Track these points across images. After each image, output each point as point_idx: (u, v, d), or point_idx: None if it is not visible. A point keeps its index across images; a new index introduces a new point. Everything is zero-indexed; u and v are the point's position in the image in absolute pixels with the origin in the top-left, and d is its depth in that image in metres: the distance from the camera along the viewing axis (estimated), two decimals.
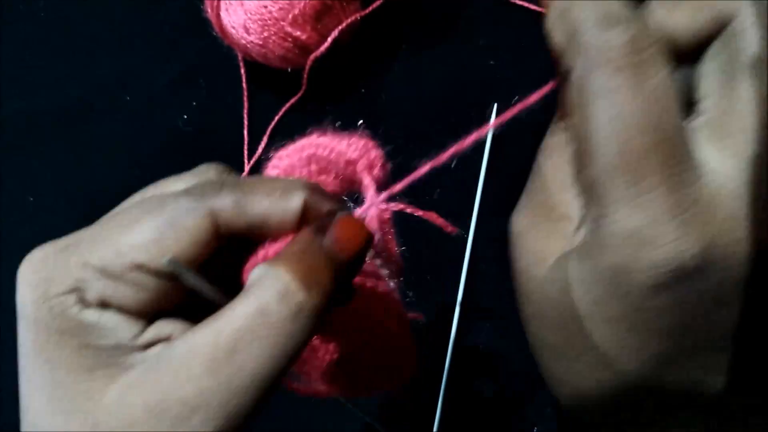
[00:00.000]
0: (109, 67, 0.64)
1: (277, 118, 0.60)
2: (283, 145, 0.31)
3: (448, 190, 0.57)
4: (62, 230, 0.68)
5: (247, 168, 0.60)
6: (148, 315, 0.23)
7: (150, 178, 0.70)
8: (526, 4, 0.58)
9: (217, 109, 0.62)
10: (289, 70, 0.56)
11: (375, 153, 0.30)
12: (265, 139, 0.60)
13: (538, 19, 0.58)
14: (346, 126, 0.60)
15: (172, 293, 0.23)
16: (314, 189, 0.24)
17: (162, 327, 0.23)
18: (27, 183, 0.64)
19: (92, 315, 0.22)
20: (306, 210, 0.24)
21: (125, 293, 0.22)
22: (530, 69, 0.59)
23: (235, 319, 0.21)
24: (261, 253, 0.24)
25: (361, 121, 0.58)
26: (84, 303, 0.22)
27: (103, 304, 0.22)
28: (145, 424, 0.20)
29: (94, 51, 0.64)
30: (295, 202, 0.23)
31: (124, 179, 0.62)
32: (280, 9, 0.50)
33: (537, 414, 0.53)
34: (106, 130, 0.63)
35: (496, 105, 0.56)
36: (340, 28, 0.53)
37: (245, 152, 0.61)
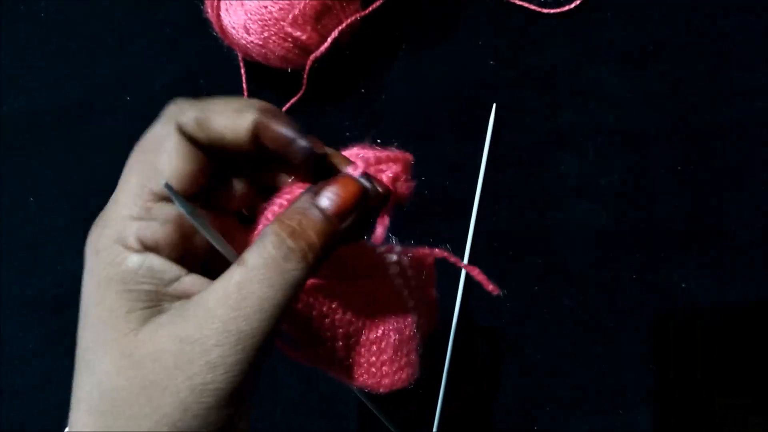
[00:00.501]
0: (109, 67, 0.64)
1: None
2: None
3: (448, 189, 0.57)
4: (62, 230, 0.68)
5: None
6: (181, 260, 0.26)
7: None
8: (525, 4, 0.58)
9: None
10: (289, 70, 0.56)
11: (398, 167, 0.30)
12: None
13: (538, 19, 0.58)
14: (346, 125, 0.60)
15: (192, 231, 0.26)
16: (267, 110, 0.26)
17: (192, 282, 0.26)
18: (27, 183, 0.64)
19: (135, 260, 0.25)
20: (258, 129, 0.26)
21: (155, 228, 0.25)
22: (530, 69, 0.59)
23: (242, 268, 0.24)
24: (269, 214, 0.28)
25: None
26: (127, 248, 0.25)
27: (144, 246, 0.25)
28: (171, 355, 0.24)
29: (94, 51, 0.64)
30: (246, 120, 0.26)
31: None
32: (281, 9, 0.50)
33: (537, 414, 0.53)
34: (107, 130, 0.63)
35: (495, 105, 0.56)
36: (340, 28, 0.53)
37: None
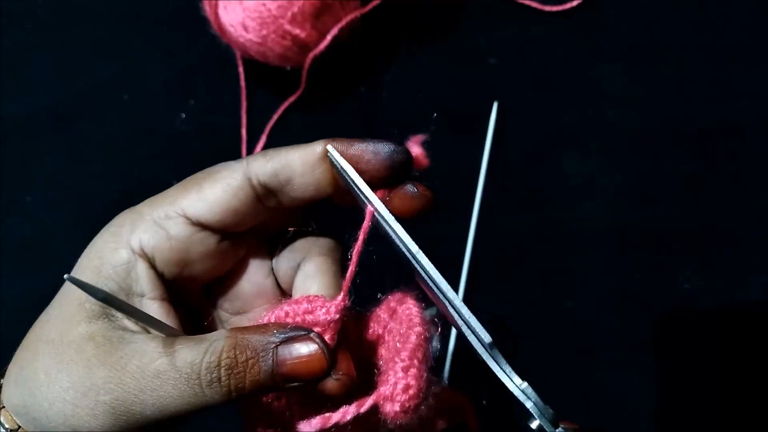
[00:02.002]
0: (107, 66, 0.64)
1: (275, 116, 0.60)
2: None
3: (448, 190, 0.57)
4: (62, 230, 0.68)
5: None
6: (170, 283, 0.28)
7: (148, 177, 0.70)
8: (527, 2, 0.58)
9: (215, 108, 0.62)
10: (288, 68, 0.56)
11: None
12: (263, 137, 0.60)
13: (538, 19, 0.58)
14: (346, 124, 0.60)
15: (201, 253, 0.28)
16: (335, 139, 0.27)
17: (151, 308, 0.27)
18: (26, 183, 0.64)
19: (123, 256, 0.27)
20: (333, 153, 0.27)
21: (159, 237, 0.27)
22: (530, 69, 0.59)
23: (169, 360, 0.24)
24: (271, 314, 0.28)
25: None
26: (127, 243, 0.27)
27: (141, 249, 0.27)
28: (80, 363, 0.25)
29: (92, 51, 0.64)
30: (318, 145, 0.27)
31: (123, 178, 0.62)
32: (279, 7, 0.50)
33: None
34: (105, 130, 0.63)
35: (496, 103, 0.56)
36: (339, 26, 0.53)
37: (243, 151, 0.60)
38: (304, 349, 0.24)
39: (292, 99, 0.59)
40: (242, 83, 0.60)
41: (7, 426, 0.26)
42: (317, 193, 0.27)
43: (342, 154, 0.27)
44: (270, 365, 0.24)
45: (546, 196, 0.56)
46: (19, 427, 0.26)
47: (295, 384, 0.25)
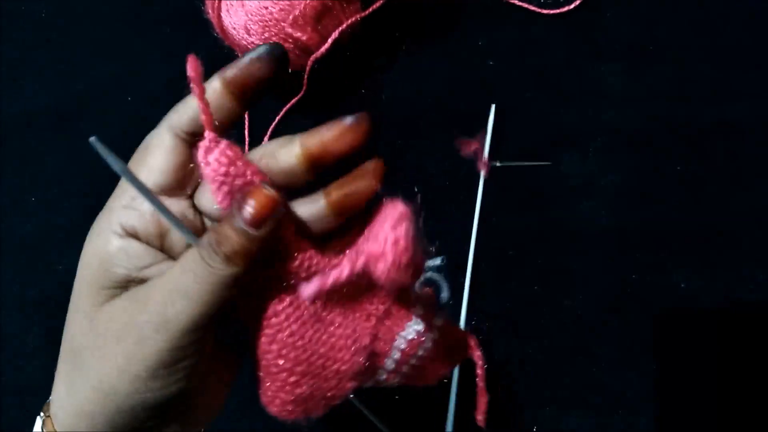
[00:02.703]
0: (109, 67, 0.64)
1: (277, 119, 0.60)
2: None
3: (449, 190, 0.57)
4: (62, 230, 0.68)
5: None
6: (162, 247, 0.30)
7: None
8: (525, 5, 0.58)
9: None
10: (290, 71, 0.56)
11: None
12: (265, 140, 0.60)
13: (538, 19, 0.58)
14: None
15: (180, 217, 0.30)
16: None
17: (166, 268, 0.30)
18: (27, 183, 0.64)
19: (116, 243, 0.30)
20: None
21: (135, 216, 0.30)
22: (530, 69, 0.59)
23: (179, 266, 0.28)
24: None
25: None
26: (113, 233, 0.30)
27: (126, 232, 0.30)
28: (117, 327, 0.29)
29: (94, 51, 0.64)
30: (211, 84, 0.31)
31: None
32: (281, 10, 0.50)
33: (537, 414, 0.53)
34: (107, 131, 0.63)
35: (494, 106, 0.56)
36: (340, 29, 0.53)
37: (246, 153, 0.61)
38: (249, 197, 0.28)
39: (293, 101, 0.60)
40: None
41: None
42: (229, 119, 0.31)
43: (237, 77, 0.31)
44: (240, 222, 0.28)
45: (546, 196, 0.56)
46: None
47: (268, 225, 0.28)
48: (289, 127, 0.60)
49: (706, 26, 0.56)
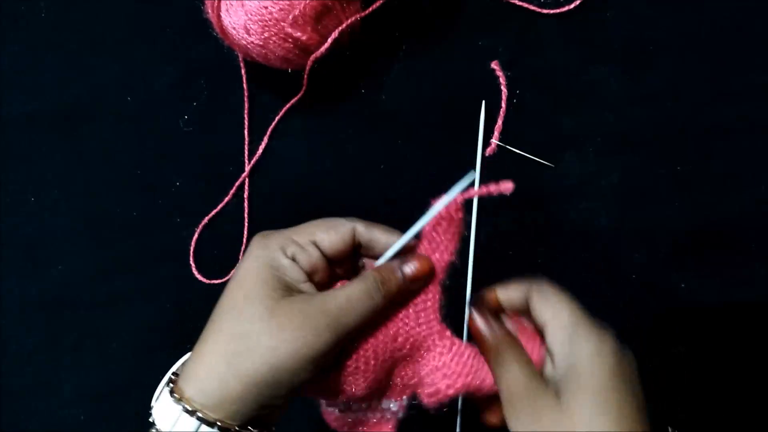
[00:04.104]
0: (109, 67, 0.64)
1: (277, 118, 0.61)
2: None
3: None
4: (63, 230, 0.68)
5: (247, 168, 0.60)
6: (308, 274, 0.40)
7: (151, 178, 0.70)
8: (525, 5, 0.58)
9: (217, 110, 0.62)
10: (290, 70, 0.56)
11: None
12: (265, 139, 0.60)
13: (538, 19, 0.58)
14: (346, 125, 0.60)
15: (321, 267, 0.41)
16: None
17: (307, 288, 0.40)
18: (28, 183, 0.64)
19: (285, 261, 0.40)
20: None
21: (302, 254, 0.40)
22: (530, 69, 0.59)
23: (350, 288, 0.39)
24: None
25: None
26: (285, 255, 0.40)
27: (292, 258, 0.40)
28: (295, 320, 0.37)
29: (94, 51, 0.64)
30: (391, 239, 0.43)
31: (125, 179, 0.62)
32: (281, 10, 0.50)
33: None
34: (107, 131, 0.63)
35: (484, 102, 0.56)
36: (340, 29, 0.53)
37: (246, 152, 0.61)
38: (414, 260, 0.42)
39: (293, 101, 0.60)
40: (244, 85, 0.60)
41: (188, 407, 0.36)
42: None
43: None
44: (401, 275, 0.41)
45: (545, 196, 0.56)
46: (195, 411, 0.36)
47: (419, 284, 0.42)
48: (288, 126, 0.61)
49: (705, 27, 0.56)
